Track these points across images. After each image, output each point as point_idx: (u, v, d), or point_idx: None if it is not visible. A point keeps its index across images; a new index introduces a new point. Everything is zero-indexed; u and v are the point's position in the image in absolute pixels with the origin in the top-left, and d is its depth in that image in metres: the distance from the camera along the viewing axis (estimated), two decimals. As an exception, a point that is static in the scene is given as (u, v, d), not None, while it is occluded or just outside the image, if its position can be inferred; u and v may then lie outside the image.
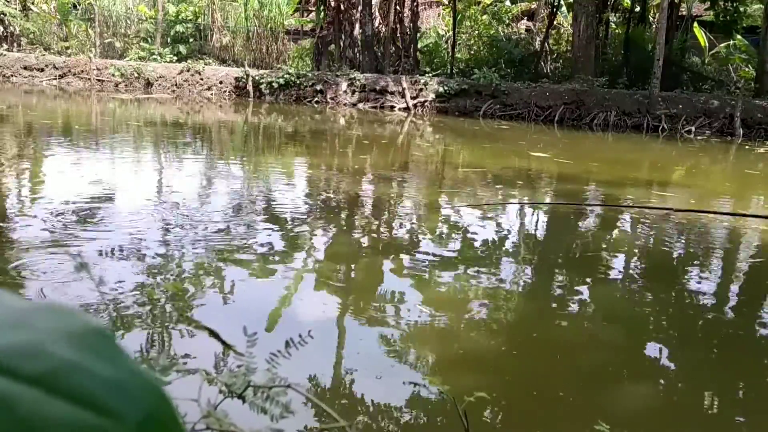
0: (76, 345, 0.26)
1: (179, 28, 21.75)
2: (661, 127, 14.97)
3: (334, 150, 10.68)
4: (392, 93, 17.07)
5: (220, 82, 18.55)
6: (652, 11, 20.23)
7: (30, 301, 0.28)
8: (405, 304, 3.76)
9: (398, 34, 20.24)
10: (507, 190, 7.73)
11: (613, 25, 20.42)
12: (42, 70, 19.60)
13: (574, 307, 3.97)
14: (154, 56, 20.41)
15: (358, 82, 17.35)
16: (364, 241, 5.17)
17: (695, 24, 20.09)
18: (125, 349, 0.27)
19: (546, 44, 19.38)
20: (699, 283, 4.63)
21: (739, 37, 18.05)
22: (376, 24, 19.75)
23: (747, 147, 13.30)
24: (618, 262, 5.10)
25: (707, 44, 19.89)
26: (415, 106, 16.83)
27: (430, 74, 18.46)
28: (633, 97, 15.64)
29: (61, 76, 19.42)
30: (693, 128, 14.84)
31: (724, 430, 2.78)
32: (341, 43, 19.90)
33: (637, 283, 4.58)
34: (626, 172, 9.59)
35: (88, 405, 0.24)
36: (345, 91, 17.44)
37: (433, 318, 3.61)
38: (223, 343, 1.90)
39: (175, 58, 20.48)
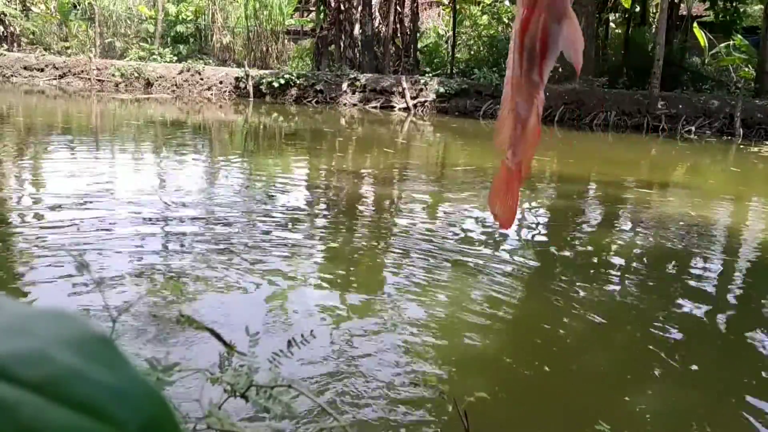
0: (77, 351, 0.26)
1: (179, 28, 21.76)
2: (661, 127, 14.97)
3: (333, 150, 10.68)
4: (392, 93, 17.07)
5: (220, 83, 18.54)
6: (652, 11, 20.23)
7: (31, 307, 0.28)
8: (404, 303, 3.77)
9: (398, 34, 20.24)
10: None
11: (613, 25, 20.42)
12: (42, 70, 19.60)
13: (574, 307, 3.97)
14: (154, 56, 20.41)
15: (358, 83, 17.35)
16: (360, 239, 5.18)
17: (695, 24, 20.08)
18: (126, 355, 0.28)
19: (546, 44, 19.36)
20: (699, 283, 4.64)
21: (739, 37, 18.05)
22: (376, 24, 19.75)
23: (742, 146, 13.31)
24: (618, 261, 5.11)
25: (707, 44, 19.88)
26: (415, 106, 16.83)
27: (430, 74, 18.46)
28: (633, 97, 15.64)
29: (61, 76, 19.42)
30: (693, 128, 14.83)
31: (725, 429, 2.79)
32: (341, 43, 19.90)
33: (637, 283, 4.58)
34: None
35: (88, 411, 0.25)
36: (345, 92, 17.44)
37: (433, 317, 3.62)
38: (225, 343, 1.90)
39: (175, 58, 20.47)
